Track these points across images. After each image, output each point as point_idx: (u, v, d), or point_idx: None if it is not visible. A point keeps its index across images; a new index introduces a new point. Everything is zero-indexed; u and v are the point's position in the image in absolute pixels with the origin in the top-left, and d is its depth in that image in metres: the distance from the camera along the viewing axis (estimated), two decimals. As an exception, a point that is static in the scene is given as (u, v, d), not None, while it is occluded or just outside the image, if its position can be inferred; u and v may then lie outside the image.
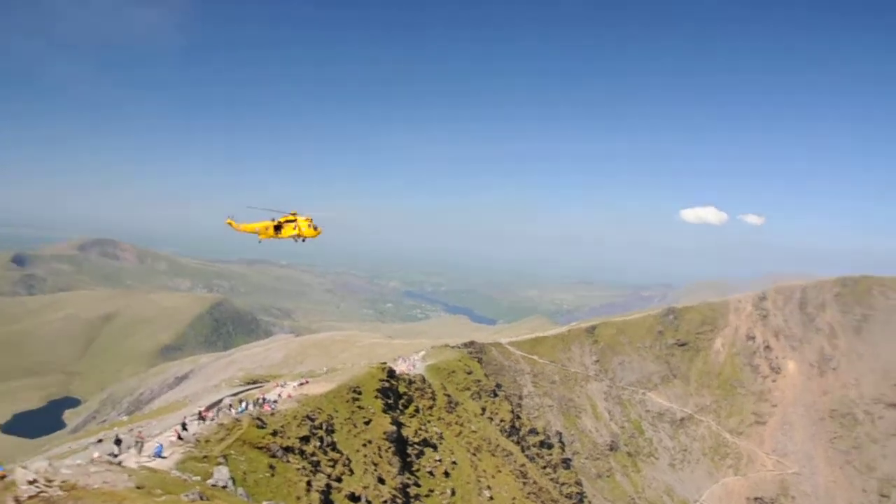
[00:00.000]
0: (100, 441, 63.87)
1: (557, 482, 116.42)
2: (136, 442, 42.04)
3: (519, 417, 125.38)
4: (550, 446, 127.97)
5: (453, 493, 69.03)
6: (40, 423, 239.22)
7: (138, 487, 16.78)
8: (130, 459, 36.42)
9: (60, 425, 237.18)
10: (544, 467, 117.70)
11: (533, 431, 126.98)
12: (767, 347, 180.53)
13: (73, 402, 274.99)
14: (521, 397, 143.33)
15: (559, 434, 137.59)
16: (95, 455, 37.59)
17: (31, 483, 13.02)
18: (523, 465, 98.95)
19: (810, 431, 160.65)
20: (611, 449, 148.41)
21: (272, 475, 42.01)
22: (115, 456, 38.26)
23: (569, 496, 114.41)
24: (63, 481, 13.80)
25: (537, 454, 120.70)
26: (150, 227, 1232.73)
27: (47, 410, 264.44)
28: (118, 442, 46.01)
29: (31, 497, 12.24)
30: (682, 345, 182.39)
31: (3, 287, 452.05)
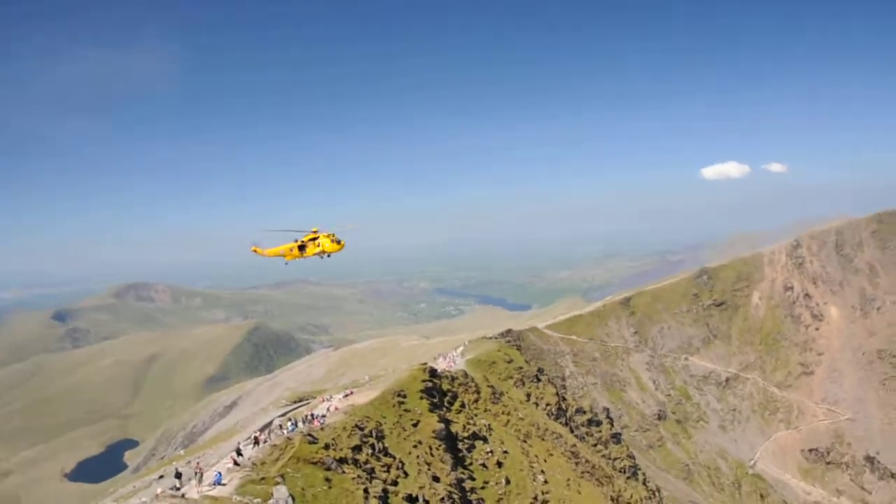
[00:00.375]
0: (161, 477, 66.30)
1: (609, 458, 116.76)
2: (196, 473, 43.77)
3: (564, 399, 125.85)
4: (599, 423, 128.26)
5: (508, 482, 70.03)
6: (103, 467, 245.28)
7: (204, 514, 17.98)
8: (192, 490, 38.10)
9: (122, 467, 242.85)
10: (595, 445, 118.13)
11: (580, 411, 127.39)
12: (807, 295, 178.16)
13: (131, 444, 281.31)
14: (563, 379, 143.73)
15: (606, 410, 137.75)
16: (159, 491, 39.40)
17: (107, 522, 14.20)
18: (574, 445, 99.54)
19: (860, 376, 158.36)
20: (659, 418, 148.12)
21: (329, 487, 43.38)
22: (178, 489, 40.03)
23: (622, 470, 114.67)
24: (135, 517, 15.02)
25: (587, 433, 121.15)
26: (180, 266, 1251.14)
27: (108, 455, 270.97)
28: (178, 475, 47.89)
29: (109, 534, 13.40)
30: (720, 304, 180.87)
31: (49, 345, 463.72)
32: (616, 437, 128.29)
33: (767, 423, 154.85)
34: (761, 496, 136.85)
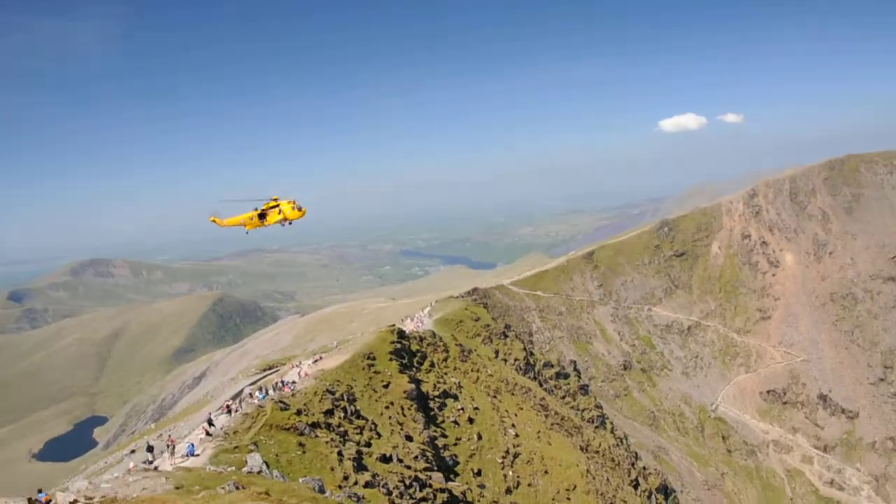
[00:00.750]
0: (133, 451, 65.86)
1: (578, 409, 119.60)
2: (168, 446, 43.54)
3: (532, 354, 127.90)
4: (566, 376, 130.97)
5: (480, 437, 71.32)
6: (72, 446, 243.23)
7: (177, 488, 17.84)
8: (165, 463, 37.88)
9: (92, 444, 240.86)
10: (563, 397, 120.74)
11: (547, 365, 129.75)
12: (764, 243, 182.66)
13: (100, 420, 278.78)
14: (531, 334, 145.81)
15: (573, 363, 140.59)
16: (131, 465, 39.08)
17: (72, 503, 14.01)
18: (543, 398, 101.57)
19: (813, 318, 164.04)
20: (625, 368, 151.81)
21: (303, 452, 43.55)
22: (150, 462, 39.73)
23: (590, 420, 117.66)
24: (102, 496, 14.82)
25: (555, 386, 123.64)
26: (137, 241, 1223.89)
27: (76, 433, 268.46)
28: (150, 449, 47.55)
29: (78, 514, 13.22)
30: (680, 255, 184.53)
31: (6, 326, 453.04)
32: (584, 389, 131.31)
33: (728, 368, 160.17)
34: (723, 437, 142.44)
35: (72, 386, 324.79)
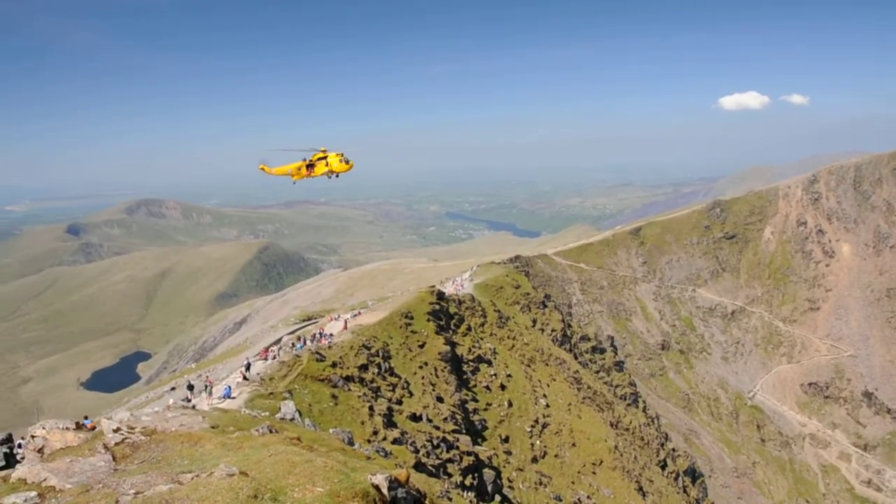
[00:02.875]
0: (173, 389, 68.09)
1: (611, 385, 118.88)
2: (206, 386, 44.67)
3: (570, 326, 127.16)
4: (602, 351, 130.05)
5: (510, 405, 71.45)
6: (117, 378, 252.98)
7: (212, 427, 18.06)
8: (202, 403, 38.89)
9: (135, 378, 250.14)
10: (597, 372, 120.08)
11: (584, 338, 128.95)
12: (820, 231, 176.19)
13: (144, 357, 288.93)
14: (570, 306, 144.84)
15: (611, 338, 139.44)
16: (171, 402, 40.25)
17: (115, 431, 14.24)
18: (577, 371, 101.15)
19: (866, 313, 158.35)
20: (662, 348, 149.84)
21: (336, 404, 44.20)
22: (189, 401, 40.88)
23: (623, 397, 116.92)
24: (143, 427, 15.02)
25: (590, 360, 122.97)
26: (190, 184, 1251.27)
27: (121, 366, 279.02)
28: (190, 388, 48.92)
29: (117, 444, 13.44)
30: (731, 237, 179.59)
31: (63, 258, 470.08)
32: (619, 365, 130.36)
33: (770, 357, 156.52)
34: (758, 426, 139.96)
35: (120, 321, 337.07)
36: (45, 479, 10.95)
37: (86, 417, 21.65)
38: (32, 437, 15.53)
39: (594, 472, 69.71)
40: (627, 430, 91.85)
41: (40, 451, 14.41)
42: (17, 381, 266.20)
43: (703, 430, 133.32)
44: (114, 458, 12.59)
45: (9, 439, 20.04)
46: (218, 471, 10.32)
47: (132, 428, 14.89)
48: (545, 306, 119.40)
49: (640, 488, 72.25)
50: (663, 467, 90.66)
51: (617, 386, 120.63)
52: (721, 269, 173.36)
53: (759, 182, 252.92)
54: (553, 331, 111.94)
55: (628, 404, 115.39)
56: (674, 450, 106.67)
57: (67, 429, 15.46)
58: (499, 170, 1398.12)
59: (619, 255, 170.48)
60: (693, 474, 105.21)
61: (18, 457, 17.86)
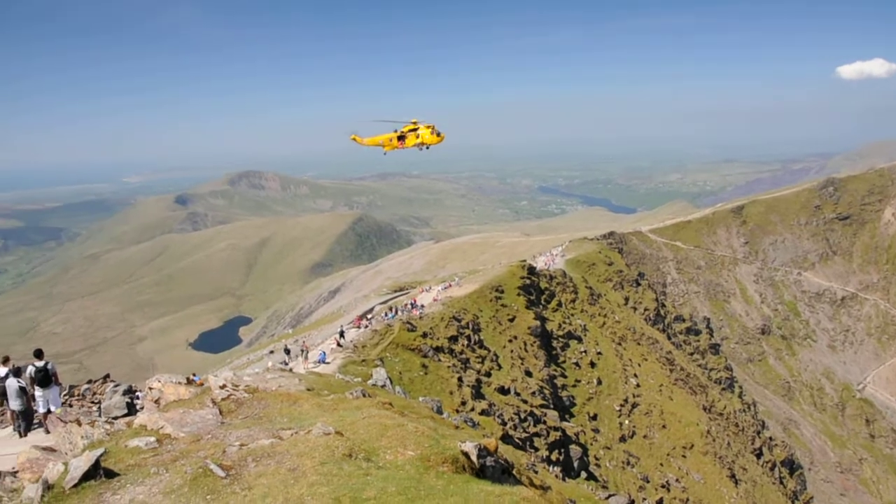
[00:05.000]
0: (271, 352, 71.40)
1: (706, 368, 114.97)
2: (302, 351, 46.64)
3: (664, 305, 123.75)
4: (698, 332, 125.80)
5: (599, 383, 70.60)
6: (221, 340, 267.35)
7: (308, 390, 18.83)
8: (299, 366, 40.65)
9: (237, 341, 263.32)
10: (691, 354, 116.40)
11: (679, 318, 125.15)
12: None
13: (245, 321, 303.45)
14: (664, 285, 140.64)
15: (707, 320, 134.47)
16: (269, 364, 42.32)
17: (221, 388, 15.13)
18: (669, 352, 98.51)
19: None
20: (763, 332, 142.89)
21: (425, 373, 45.13)
22: (286, 364, 42.86)
23: (718, 381, 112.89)
24: (246, 386, 15.86)
25: (684, 341, 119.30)
26: (287, 156, 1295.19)
27: (225, 329, 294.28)
28: (287, 352, 51.19)
29: (223, 399, 14.27)
30: (844, 218, 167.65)
31: (173, 226, 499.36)
32: (714, 348, 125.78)
33: (884, 348, 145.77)
34: (867, 421, 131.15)
35: (223, 286, 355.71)
36: (161, 427, 11.84)
37: (193, 375, 23.15)
38: (150, 389, 16.79)
39: (684, 456, 68.04)
40: (721, 415, 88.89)
41: (157, 401, 15.57)
42: (135, 340, 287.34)
43: (803, 421, 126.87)
44: (220, 413, 13.40)
45: (130, 390, 21.83)
46: (315, 429, 10.81)
47: (236, 386, 15.78)
48: (638, 284, 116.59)
49: (733, 475, 69.97)
50: (758, 456, 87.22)
51: (712, 369, 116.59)
52: (831, 252, 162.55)
53: (880, 159, 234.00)
54: (646, 310, 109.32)
55: (723, 389, 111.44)
56: (771, 439, 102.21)
57: (180, 383, 16.59)
58: (595, 143, 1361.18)
59: (718, 234, 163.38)
60: (791, 466, 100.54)
61: (138, 406, 19.43)
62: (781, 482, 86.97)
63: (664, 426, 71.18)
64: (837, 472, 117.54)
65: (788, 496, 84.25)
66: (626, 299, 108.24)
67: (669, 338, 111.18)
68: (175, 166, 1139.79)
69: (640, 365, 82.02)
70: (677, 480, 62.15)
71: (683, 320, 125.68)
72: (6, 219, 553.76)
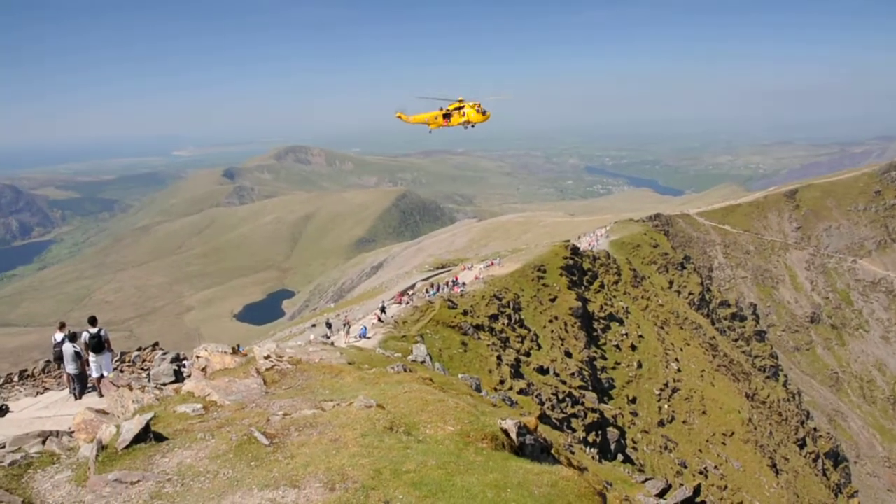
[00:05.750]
0: (313, 326, 72.55)
1: (750, 355, 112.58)
2: (344, 325, 47.32)
3: (709, 290, 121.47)
4: (743, 319, 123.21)
5: (640, 366, 69.91)
6: (264, 312, 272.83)
7: (349, 363, 19.09)
8: (340, 340, 41.28)
9: (280, 314, 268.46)
10: (736, 340, 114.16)
11: (724, 304, 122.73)
12: None
13: (288, 294, 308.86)
14: (711, 269, 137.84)
15: (753, 306, 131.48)
16: (311, 337, 43.10)
17: (266, 359, 15.46)
18: (713, 337, 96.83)
19: None
20: (812, 321, 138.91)
21: (465, 351, 45.34)
22: (328, 337, 43.57)
23: (762, 369, 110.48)
24: (289, 357, 16.16)
25: (728, 327, 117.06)
26: (334, 132, 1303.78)
27: (269, 301, 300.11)
28: (328, 325, 51.98)
29: (267, 369, 14.59)
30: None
31: (221, 199, 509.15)
32: (760, 335, 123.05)
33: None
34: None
35: (268, 259, 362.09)
36: (208, 395, 12.18)
37: (238, 346, 23.73)
38: (197, 357, 17.28)
39: (724, 443, 67.11)
40: (764, 403, 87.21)
41: (203, 370, 16.01)
42: (183, 309, 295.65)
43: (851, 413, 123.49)
44: (264, 382, 13.71)
45: (178, 358, 22.52)
46: (357, 401, 10.97)
47: (280, 357, 16.10)
48: (684, 268, 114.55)
49: (774, 465, 68.75)
50: (801, 447, 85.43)
51: (756, 357, 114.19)
52: (890, 239, 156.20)
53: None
54: (690, 294, 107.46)
55: (767, 377, 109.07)
56: (815, 430, 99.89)
57: (225, 353, 17.02)
58: (643, 123, 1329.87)
59: (769, 218, 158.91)
60: (836, 458, 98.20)
61: (185, 374, 20.04)
62: (825, 474, 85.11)
63: (704, 412, 70.23)
64: (885, 466, 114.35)
65: (832, 489, 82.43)
66: (671, 283, 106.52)
67: (713, 323, 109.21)
68: (224, 141, 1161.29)
69: (681, 350, 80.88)
70: (716, 467, 61.39)
71: (729, 306, 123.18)
72: (64, 190, 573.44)
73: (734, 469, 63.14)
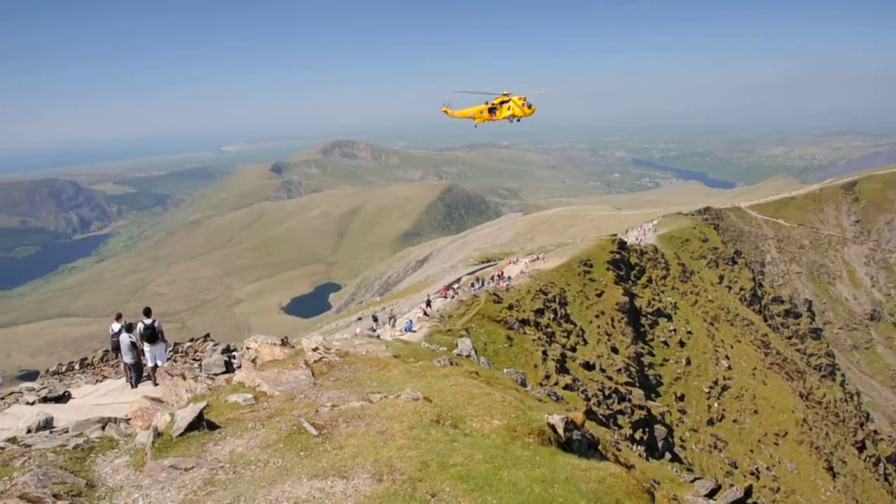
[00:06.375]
0: (359, 319, 73.28)
1: (804, 353, 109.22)
2: (390, 318, 47.66)
3: (761, 286, 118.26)
4: (797, 315, 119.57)
5: (688, 363, 68.58)
6: (311, 305, 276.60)
7: (395, 356, 19.23)
8: (386, 333, 41.59)
9: (327, 307, 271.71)
10: (790, 337, 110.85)
11: (777, 300, 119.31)
12: None
13: (334, 287, 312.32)
14: (763, 264, 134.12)
15: (808, 302, 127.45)
16: (357, 330, 43.51)
17: (314, 351, 15.68)
18: (765, 334, 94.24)
19: None
20: (871, 318, 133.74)
21: (510, 345, 45.18)
22: (374, 330, 43.92)
23: (818, 367, 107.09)
24: (337, 350, 16.35)
25: (782, 324, 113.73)
26: (379, 126, 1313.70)
27: (315, 294, 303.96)
28: (375, 318, 52.39)
29: (315, 361, 14.79)
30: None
31: (269, 194, 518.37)
32: (815, 333, 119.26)
33: None
34: None
35: (315, 253, 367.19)
36: (258, 385, 12.42)
37: (286, 338, 24.13)
38: (247, 348, 17.63)
39: (776, 444, 65.35)
40: (820, 403, 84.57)
41: (253, 361, 16.33)
42: (232, 302, 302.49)
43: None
44: (313, 374, 13.90)
45: (228, 349, 23.04)
46: (404, 394, 11.03)
47: (328, 349, 16.30)
48: (734, 263, 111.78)
49: (831, 468, 66.60)
50: (861, 449, 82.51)
51: (811, 355, 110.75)
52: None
53: None
54: (742, 289, 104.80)
55: (823, 376, 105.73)
56: (875, 432, 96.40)
57: (275, 344, 17.33)
58: (692, 114, 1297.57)
59: (825, 211, 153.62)
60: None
61: (234, 364, 20.49)
62: (886, 479, 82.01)
63: (756, 411, 68.51)
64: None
65: (894, 494, 79.45)
66: (721, 278, 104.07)
67: (766, 320, 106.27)
68: (272, 136, 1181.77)
69: (732, 346, 79.02)
70: (768, 468, 59.86)
71: (782, 302, 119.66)
72: (120, 185, 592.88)
73: (788, 471, 61.46)
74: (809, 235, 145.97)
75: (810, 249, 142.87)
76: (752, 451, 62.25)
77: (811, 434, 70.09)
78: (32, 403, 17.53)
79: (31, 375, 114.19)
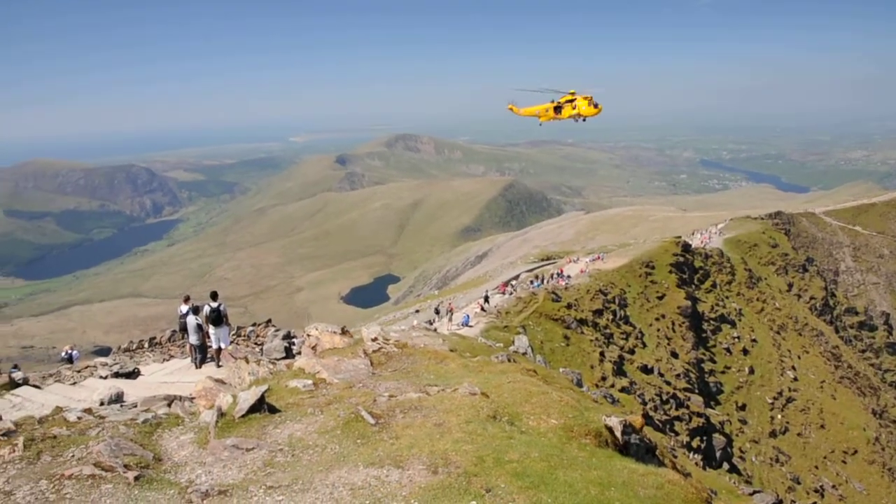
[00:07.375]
0: (417, 311, 73.87)
1: (879, 368, 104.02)
2: (447, 312, 47.79)
3: (833, 295, 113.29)
4: (873, 328, 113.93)
5: (752, 372, 66.37)
6: (370, 296, 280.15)
7: (451, 350, 19.29)
8: (443, 327, 41.75)
9: (385, 298, 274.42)
10: (863, 351, 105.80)
11: (850, 311, 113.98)
12: None
13: (393, 279, 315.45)
14: (836, 273, 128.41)
15: (885, 315, 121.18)
16: (415, 323, 43.91)
17: (373, 340, 15.87)
18: (836, 347, 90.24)
19: None
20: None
21: (567, 345, 44.71)
22: (431, 323, 44.18)
23: (893, 384, 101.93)
24: (395, 341, 16.50)
25: (855, 336, 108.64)
26: (443, 121, 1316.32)
27: (375, 285, 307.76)
28: (437, 311, 52.66)
29: (374, 351, 14.97)
30: None
31: (332, 185, 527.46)
32: (892, 347, 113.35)
33: None
34: None
35: (375, 244, 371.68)
36: (318, 372, 12.66)
37: (345, 327, 24.56)
38: (308, 335, 18.00)
39: (844, 462, 62.59)
40: (895, 422, 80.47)
41: (314, 348, 16.66)
42: (293, 290, 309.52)
43: None
44: (371, 364, 14.07)
45: (289, 335, 23.58)
46: (462, 388, 11.04)
47: (386, 340, 16.46)
48: (805, 270, 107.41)
49: (903, 490, 63.37)
50: (938, 472, 78.21)
51: (887, 370, 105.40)
52: None
53: None
54: (812, 298, 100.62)
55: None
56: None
57: (335, 333, 17.63)
58: (766, 115, 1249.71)
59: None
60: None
61: (294, 350, 20.95)
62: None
63: (823, 426, 65.76)
64: None
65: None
66: (790, 285, 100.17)
67: (837, 331, 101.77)
68: (337, 127, 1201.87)
69: (799, 357, 76.03)
70: (834, 487, 57.40)
71: (856, 313, 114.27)
72: (192, 172, 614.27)
73: (856, 491, 58.81)
74: (890, 244, 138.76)
75: (890, 259, 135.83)
76: (816, 467, 59.84)
77: (884, 454, 66.81)
78: (105, 378, 18.39)
79: (103, 351, 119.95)
